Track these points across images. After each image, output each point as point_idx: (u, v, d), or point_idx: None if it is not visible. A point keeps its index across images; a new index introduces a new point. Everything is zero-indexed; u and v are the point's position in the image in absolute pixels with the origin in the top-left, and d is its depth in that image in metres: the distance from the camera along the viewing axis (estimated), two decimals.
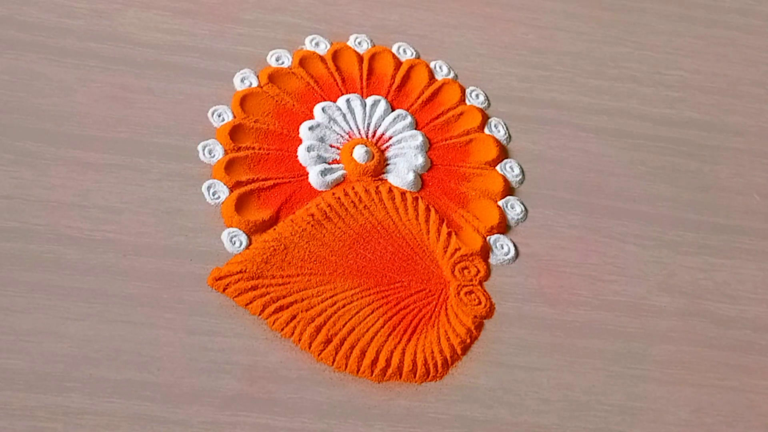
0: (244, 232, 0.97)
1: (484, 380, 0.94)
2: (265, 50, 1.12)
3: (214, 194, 0.99)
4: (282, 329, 0.92)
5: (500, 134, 1.12)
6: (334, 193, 1.02)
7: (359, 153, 1.04)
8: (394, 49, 1.17)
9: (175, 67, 1.08)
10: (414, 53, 1.17)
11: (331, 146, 1.06)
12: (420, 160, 1.07)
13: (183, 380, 0.87)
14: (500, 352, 0.96)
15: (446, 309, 0.97)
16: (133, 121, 1.02)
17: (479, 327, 0.97)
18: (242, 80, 1.09)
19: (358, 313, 0.95)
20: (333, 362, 0.91)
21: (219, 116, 1.05)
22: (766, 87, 1.27)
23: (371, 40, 1.17)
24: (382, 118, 1.09)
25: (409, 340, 0.94)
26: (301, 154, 1.04)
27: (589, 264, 1.04)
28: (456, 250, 1.01)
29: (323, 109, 1.08)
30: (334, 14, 1.19)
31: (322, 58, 1.13)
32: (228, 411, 0.86)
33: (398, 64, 1.16)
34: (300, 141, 1.06)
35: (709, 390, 0.98)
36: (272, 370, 0.89)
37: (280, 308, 0.93)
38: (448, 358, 0.94)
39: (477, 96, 1.16)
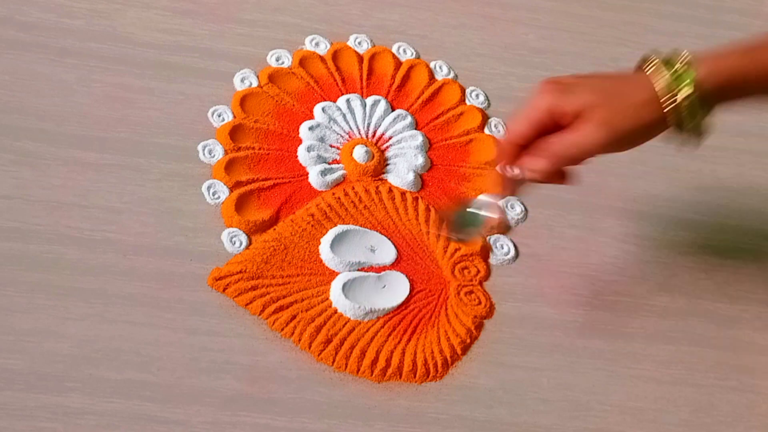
0: (244, 232, 0.97)
1: (484, 380, 0.94)
2: (265, 50, 1.12)
3: (214, 194, 0.99)
4: (282, 329, 0.92)
5: (500, 134, 1.12)
6: (334, 193, 1.02)
7: (359, 153, 1.04)
8: (394, 49, 1.17)
9: (175, 67, 1.08)
10: (414, 53, 1.17)
11: (331, 146, 1.06)
12: (420, 160, 1.07)
13: (183, 380, 0.87)
14: (500, 352, 0.96)
15: (446, 309, 0.97)
16: (133, 121, 1.02)
17: (479, 327, 0.97)
18: (242, 80, 1.09)
19: None
20: (333, 362, 0.91)
21: (219, 116, 1.05)
22: None
23: (371, 40, 1.17)
24: (382, 118, 1.09)
25: (409, 340, 0.94)
26: (301, 154, 1.04)
27: (589, 264, 1.04)
28: (456, 250, 1.01)
29: (323, 109, 1.08)
30: (334, 14, 1.19)
31: (322, 58, 1.13)
32: (228, 411, 0.86)
33: (398, 64, 1.16)
34: (300, 141, 1.06)
35: (709, 390, 0.98)
36: (272, 370, 0.89)
37: (280, 308, 0.93)
38: (448, 358, 0.94)
39: (477, 96, 1.16)
